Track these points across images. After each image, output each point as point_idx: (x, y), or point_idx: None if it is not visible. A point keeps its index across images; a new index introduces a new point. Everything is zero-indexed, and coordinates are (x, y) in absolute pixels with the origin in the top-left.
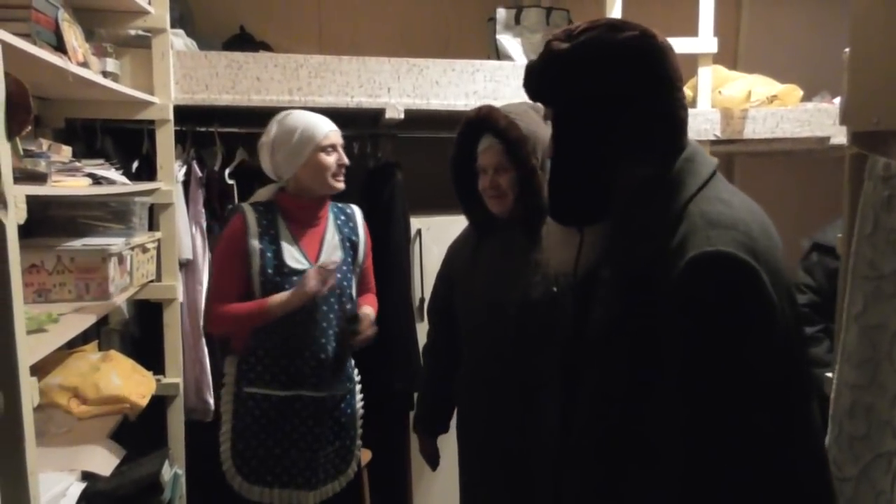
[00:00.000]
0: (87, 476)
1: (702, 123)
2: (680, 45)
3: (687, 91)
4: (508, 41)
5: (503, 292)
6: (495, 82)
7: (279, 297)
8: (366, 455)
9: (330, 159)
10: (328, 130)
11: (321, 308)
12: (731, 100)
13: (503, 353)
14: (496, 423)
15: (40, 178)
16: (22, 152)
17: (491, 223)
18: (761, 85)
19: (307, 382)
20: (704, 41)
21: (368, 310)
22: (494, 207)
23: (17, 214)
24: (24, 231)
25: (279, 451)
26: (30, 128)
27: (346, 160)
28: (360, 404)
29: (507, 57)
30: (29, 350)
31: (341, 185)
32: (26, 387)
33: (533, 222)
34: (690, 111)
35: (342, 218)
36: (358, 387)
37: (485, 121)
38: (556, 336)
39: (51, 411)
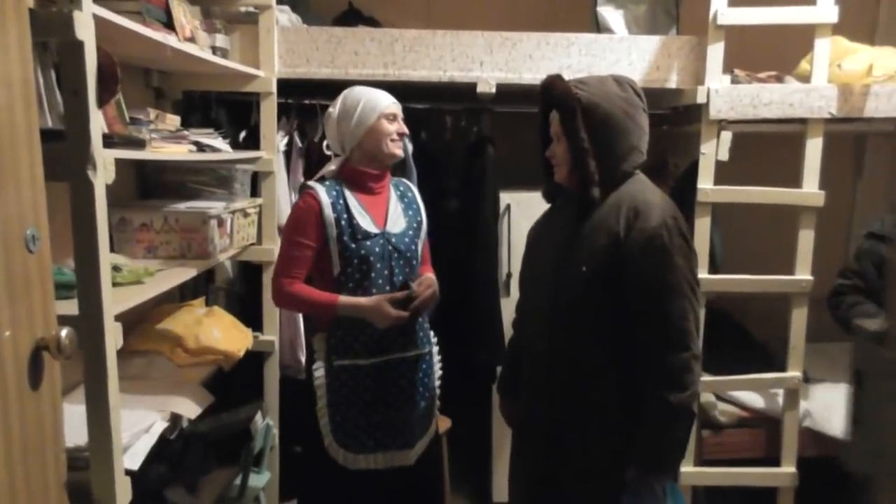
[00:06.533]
0: (176, 417)
1: (815, 100)
2: (795, 14)
3: (804, 65)
4: (610, 13)
5: (545, 264)
6: (591, 56)
7: (349, 301)
8: (444, 423)
9: (391, 126)
10: (390, 101)
11: (397, 276)
12: (852, 74)
13: (539, 326)
14: (528, 393)
15: (138, 144)
16: (128, 120)
17: (557, 192)
18: (889, 58)
19: (395, 346)
20: (823, 10)
21: (429, 274)
22: (556, 176)
23: (105, 175)
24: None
25: (378, 417)
26: (118, 96)
27: (405, 129)
28: (438, 365)
29: (608, 30)
30: (120, 300)
31: (400, 152)
32: (110, 331)
33: (581, 195)
34: (804, 86)
35: (401, 189)
36: (436, 348)
37: (548, 89)
38: (582, 317)
39: (154, 357)
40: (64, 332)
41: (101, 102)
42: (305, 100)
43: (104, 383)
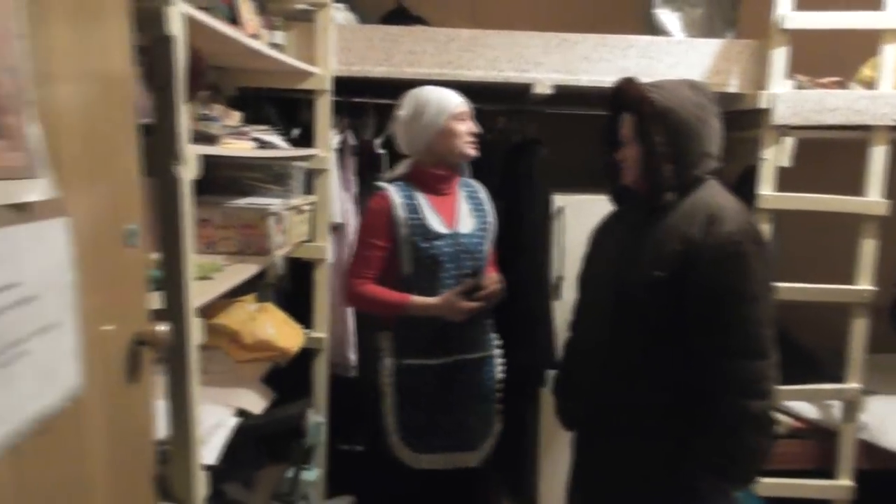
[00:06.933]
0: (239, 413)
1: (881, 107)
2: (863, 19)
3: (865, 70)
4: (666, 16)
5: (613, 268)
6: (648, 58)
7: (421, 301)
8: None
9: (462, 127)
10: (459, 101)
11: (464, 277)
12: None
13: (603, 330)
14: (586, 399)
15: (212, 140)
16: (198, 115)
17: (625, 195)
18: None
19: (461, 347)
20: (891, 15)
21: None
22: (625, 179)
23: (191, 171)
24: (198, 188)
25: (442, 417)
26: (208, 92)
27: (475, 128)
28: (500, 368)
29: (664, 32)
30: (197, 294)
31: (473, 152)
32: (193, 325)
33: (650, 200)
34: (870, 93)
35: (469, 189)
36: (497, 351)
37: (621, 92)
38: (652, 320)
39: (212, 352)
40: (162, 327)
41: (189, 98)
42: (355, 98)
43: (187, 378)
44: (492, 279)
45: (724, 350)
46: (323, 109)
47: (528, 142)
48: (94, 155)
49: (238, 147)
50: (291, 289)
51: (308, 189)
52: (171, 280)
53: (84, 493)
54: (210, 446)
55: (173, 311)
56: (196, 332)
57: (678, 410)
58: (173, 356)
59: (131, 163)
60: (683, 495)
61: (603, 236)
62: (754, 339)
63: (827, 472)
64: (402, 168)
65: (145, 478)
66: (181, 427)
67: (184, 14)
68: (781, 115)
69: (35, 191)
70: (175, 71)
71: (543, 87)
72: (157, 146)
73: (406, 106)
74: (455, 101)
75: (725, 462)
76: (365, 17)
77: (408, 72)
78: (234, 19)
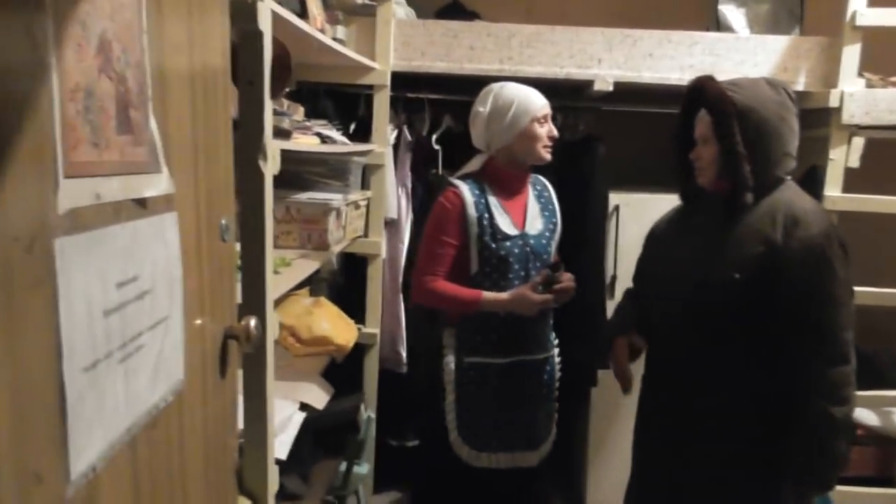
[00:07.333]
0: (303, 407)
1: None
2: None
3: None
4: (731, 12)
5: (686, 268)
6: (714, 55)
7: (493, 297)
8: None
9: (542, 130)
10: (543, 103)
11: (532, 276)
12: None
13: (675, 331)
14: (653, 402)
15: (285, 135)
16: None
17: (697, 195)
18: None
19: (524, 347)
20: None
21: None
22: (699, 178)
23: (273, 166)
24: None
25: (504, 416)
26: (288, 88)
27: (555, 132)
28: (558, 368)
29: (729, 29)
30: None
31: (549, 156)
32: (271, 319)
33: (730, 200)
34: None
35: (538, 188)
36: (556, 350)
37: (698, 91)
38: (729, 322)
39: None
40: (252, 322)
41: (275, 93)
42: (411, 93)
43: (263, 373)
44: (567, 276)
45: (814, 356)
46: (381, 104)
47: (586, 139)
48: (196, 149)
49: (306, 142)
50: (344, 283)
51: (364, 184)
52: (252, 274)
53: (182, 487)
54: (281, 441)
55: (254, 304)
56: (274, 326)
57: (753, 414)
58: (252, 351)
59: (227, 157)
60: (761, 501)
61: (666, 236)
62: (841, 345)
63: (886, 479)
64: (474, 164)
65: (230, 472)
66: (257, 422)
67: (271, 10)
68: (852, 114)
69: (157, 185)
70: (263, 66)
71: (604, 83)
72: (243, 141)
73: (487, 102)
74: (539, 104)
75: (810, 467)
76: (420, 11)
77: (467, 67)
78: (302, 14)
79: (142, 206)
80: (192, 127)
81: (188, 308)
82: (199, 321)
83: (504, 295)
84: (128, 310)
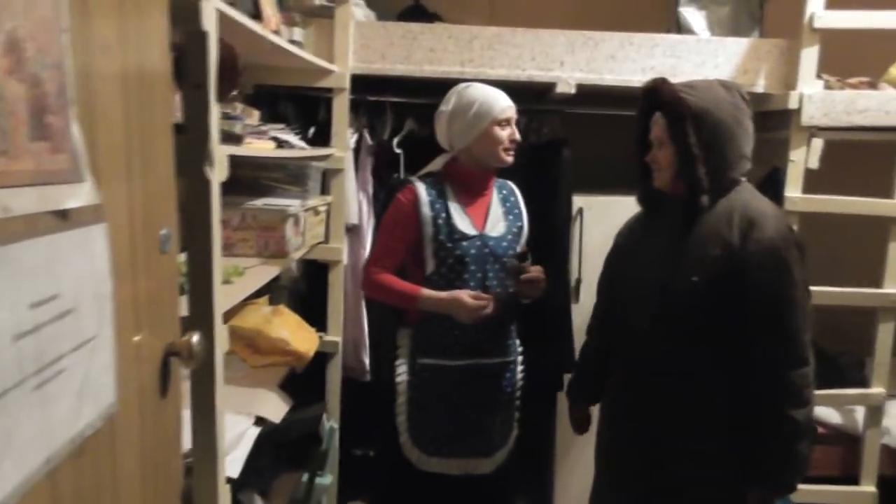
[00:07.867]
0: (258, 420)
1: None
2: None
3: (893, 71)
4: (692, 14)
5: (648, 272)
6: (675, 57)
7: (431, 295)
8: None
9: (503, 133)
10: (505, 105)
11: (490, 280)
12: None
13: (648, 334)
14: (625, 403)
15: (236, 140)
16: (221, 114)
17: (656, 198)
18: None
19: (483, 350)
20: None
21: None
22: (656, 181)
23: (220, 173)
24: None
25: (457, 421)
26: (236, 91)
27: (518, 136)
28: (520, 375)
29: (689, 31)
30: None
31: (510, 159)
32: (220, 332)
33: (687, 202)
34: None
35: (504, 192)
36: (520, 357)
37: (654, 93)
38: (691, 326)
39: (228, 357)
40: (195, 338)
41: (223, 96)
42: (372, 96)
43: (212, 388)
44: (536, 268)
45: (768, 357)
46: (341, 108)
47: (552, 142)
48: (130, 156)
49: (260, 147)
50: (305, 291)
51: (324, 189)
52: (199, 286)
53: None
54: (233, 458)
55: (201, 318)
56: (223, 340)
57: (721, 416)
58: (199, 366)
59: (167, 164)
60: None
61: (632, 241)
62: (800, 347)
63: (850, 478)
64: (436, 164)
65: (175, 494)
66: (206, 440)
67: (217, 9)
68: (810, 116)
69: (79, 196)
70: (208, 68)
71: (567, 86)
72: (188, 147)
73: (451, 101)
74: (500, 106)
75: (775, 470)
76: (381, 13)
77: (428, 70)
78: (256, 15)
79: (62, 218)
80: (126, 132)
81: (121, 325)
82: (136, 338)
83: (440, 294)
84: (44, 332)
